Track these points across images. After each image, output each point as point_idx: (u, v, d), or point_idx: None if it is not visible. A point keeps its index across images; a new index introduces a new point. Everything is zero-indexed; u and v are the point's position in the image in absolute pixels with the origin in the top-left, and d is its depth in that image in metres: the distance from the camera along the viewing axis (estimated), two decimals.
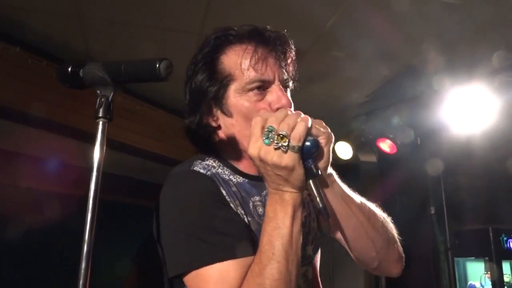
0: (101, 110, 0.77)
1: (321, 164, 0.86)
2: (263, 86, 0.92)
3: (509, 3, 2.33)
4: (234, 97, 0.93)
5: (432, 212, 2.85)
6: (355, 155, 3.35)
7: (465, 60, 2.77)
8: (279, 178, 0.80)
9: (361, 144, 3.37)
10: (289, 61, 0.97)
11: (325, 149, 0.86)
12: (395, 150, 3.03)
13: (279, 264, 0.76)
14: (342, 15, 2.44)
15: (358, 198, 0.99)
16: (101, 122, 0.76)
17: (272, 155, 0.78)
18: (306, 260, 0.99)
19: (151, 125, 3.29)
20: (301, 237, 0.82)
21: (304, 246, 0.96)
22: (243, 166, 0.98)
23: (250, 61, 0.91)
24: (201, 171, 0.94)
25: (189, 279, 0.82)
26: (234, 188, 0.94)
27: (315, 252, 1.06)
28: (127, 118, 3.12)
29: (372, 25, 2.52)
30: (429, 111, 2.95)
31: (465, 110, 2.74)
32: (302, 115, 0.82)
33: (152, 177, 3.22)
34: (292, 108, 0.94)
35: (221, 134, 0.98)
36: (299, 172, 0.79)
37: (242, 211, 0.91)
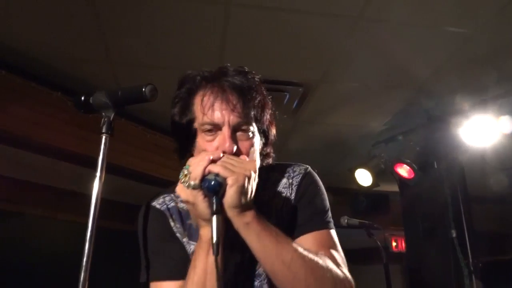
0: (104, 127, 0.97)
1: (226, 203, 0.87)
2: (214, 129, 0.98)
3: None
4: (198, 134, 1.02)
5: (454, 235, 2.84)
6: (374, 182, 3.41)
7: (476, 82, 2.85)
8: (191, 211, 0.95)
9: (381, 171, 3.44)
10: (247, 104, 0.99)
11: (231, 190, 0.86)
12: (412, 175, 3.08)
13: None
14: (353, 46, 2.60)
15: (285, 244, 0.92)
16: (104, 136, 0.96)
17: (180, 190, 0.91)
18: (260, 276, 1.03)
19: (178, 159, 3.53)
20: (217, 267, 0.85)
21: (257, 266, 1.03)
22: None
23: (203, 104, 0.99)
24: (157, 206, 1.12)
25: None
26: (188, 219, 1.09)
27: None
28: (157, 152, 3.39)
29: (385, 52, 2.66)
30: (444, 133, 3.01)
31: (478, 130, 2.78)
32: (218, 155, 0.91)
33: None
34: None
35: None
36: (202, 206, 0.88)
37: (191, 241, 1.06)
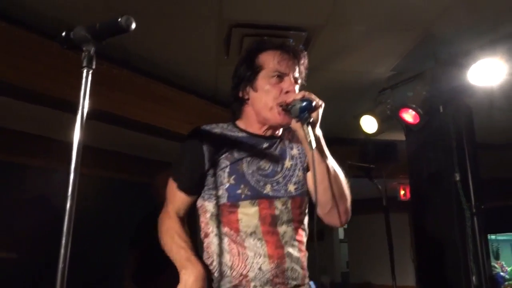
0: (85, 61, 0.97)
1: (314, 117, 1.27)
2: (280, 76, 1.38)
3: None
4: (261, 79, 1.40)
5: (457, 179, 2.83)
6: (380, 129, 3.39)
7: (485, 22, 2.73)
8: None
9: (387, 117, 3.40)
10: (301, 65, 1.44)
11: (319, 109, 1.29)
12: (418, 120, 3.04)
13: None
14: None
15: (331, 158, 1.37)
16: (85, 70, 0.97)
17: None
18: (287, 193, 1.40)
19: (182, 109, 3.55)
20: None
21: (287, 183, 1.41)
22: (252, 128, 1.45)
23: (276, 59, 1.40)
24: (207, 128, 1.43)
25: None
26: (233, 141, 1.42)
27: (298, 192, 1.43)
28: (160, 103, 3.40)
29: None
30: (451, 76, 2.94)
31: (486, 72, 2.71)
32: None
33: None
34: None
35: (248, 105, 1.46)
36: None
37: (226, 153, 1.39)
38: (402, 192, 5.55)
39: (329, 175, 1.32)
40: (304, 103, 1.25)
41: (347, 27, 3.00)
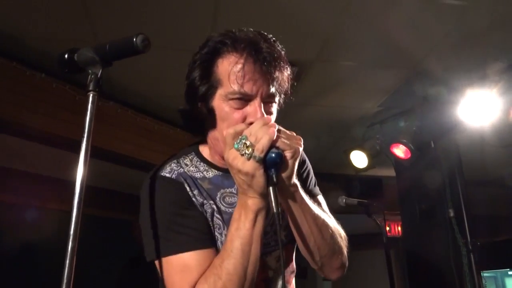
0: (91, 84, 0.88)
1: (284, 174, 0.92)
2: (244, 98, 0.96)
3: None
4: (219, 100, 0.99)
5: (451, 215, 2.80)
6: (370, 164, 3.36)
7: (474, 59, 2.79)
8: (243, 182, 0.90)
9: (377, 152, 3.38)
10: (278, 76, 0.98)
11: (290, 162, 0.91)
12: (409, 155, 3.03)
13: (235, 260, 0.89)
14: (347, 23, 2.52)
15: (316, 210, 1.04)
16: (91, 95, 0.88)
17: (237, 161, 0.88)
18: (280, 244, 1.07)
19: (169, 143, 3.44)
20: (261, 237, 0.93)
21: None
22: (218, 161, 1.09)
23: (236, 74, 0.95)
24: (167, 175, 1.04)
25: (160, 266, 0.98)
26: (204, 183, 1.06)
27: (289, 238, 1.13)
28: (147, 137, 3.29)
29: (380, 30, 2.57)
30: (441, 112, 2.96)
31: (476, 108, 2.74)
32: (274, 128, 0.90)
33: None
34: (273, 121, 1.00)
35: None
36: (259, 179, 0.88)
37: (211, 201, 1.04)
38: (387, 229, 5.50)
39: (313, 236, 1.02)
40: (272, 154, 0.88)
41: (336, 63, 3.01)
